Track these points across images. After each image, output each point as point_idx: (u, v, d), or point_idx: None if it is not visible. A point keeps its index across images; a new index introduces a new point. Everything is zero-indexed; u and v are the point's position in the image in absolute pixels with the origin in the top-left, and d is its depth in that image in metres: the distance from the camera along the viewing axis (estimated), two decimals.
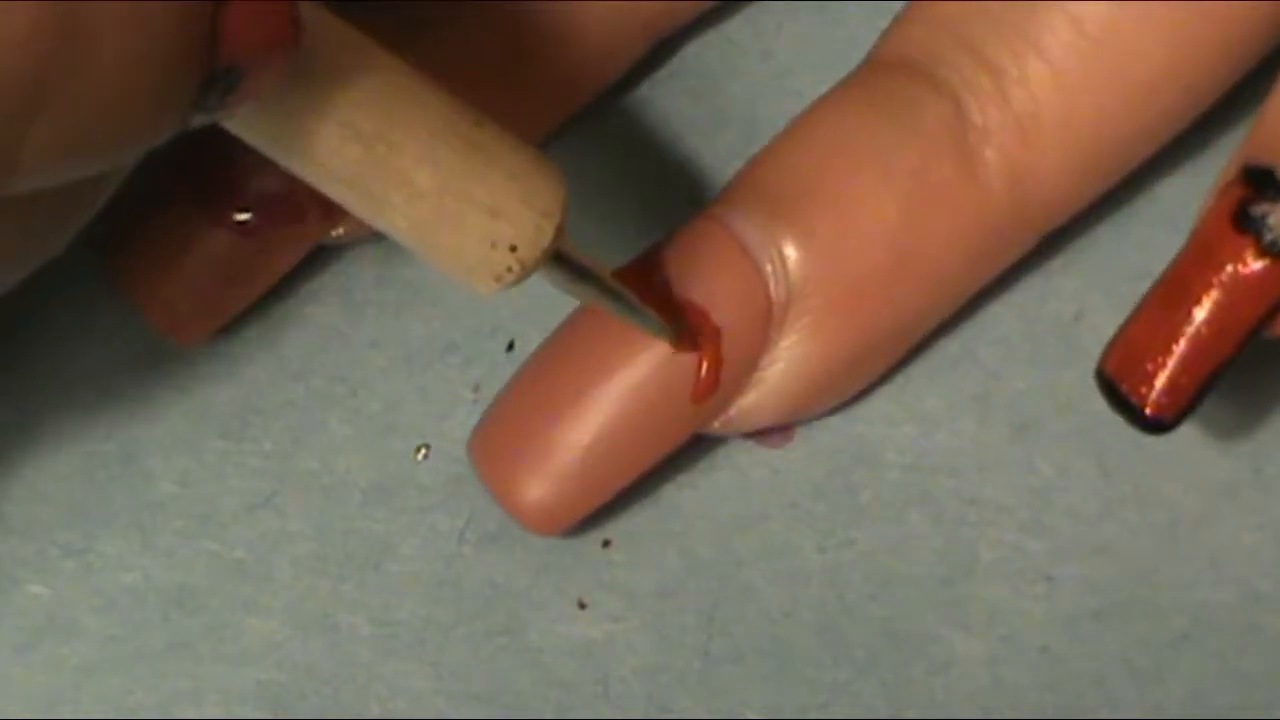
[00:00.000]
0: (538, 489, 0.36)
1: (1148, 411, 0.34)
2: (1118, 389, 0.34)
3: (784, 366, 0.36)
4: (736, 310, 0.36)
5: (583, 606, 0.37)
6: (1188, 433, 0.38)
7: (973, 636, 0.37)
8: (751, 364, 0.36)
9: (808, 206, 0.36)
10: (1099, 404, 0.38)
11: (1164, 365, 0.34)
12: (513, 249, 0.31)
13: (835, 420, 0.38)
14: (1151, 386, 0.34)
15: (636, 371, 0.36)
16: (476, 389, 0.38)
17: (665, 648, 0.37)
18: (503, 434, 0.36)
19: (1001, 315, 0.38)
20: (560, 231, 0.31)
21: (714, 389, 0.36)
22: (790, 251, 0.36)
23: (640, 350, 0.36)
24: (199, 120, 0.27)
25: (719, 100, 0.39)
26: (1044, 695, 0.37)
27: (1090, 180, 0.37)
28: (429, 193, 0.30)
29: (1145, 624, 0.37)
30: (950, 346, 0.38)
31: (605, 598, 0.37)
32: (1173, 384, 0.34)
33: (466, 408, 0.38)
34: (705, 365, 0.36)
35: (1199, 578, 0.37)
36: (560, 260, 0.32)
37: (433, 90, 0.30)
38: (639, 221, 0.39)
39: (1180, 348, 0.34)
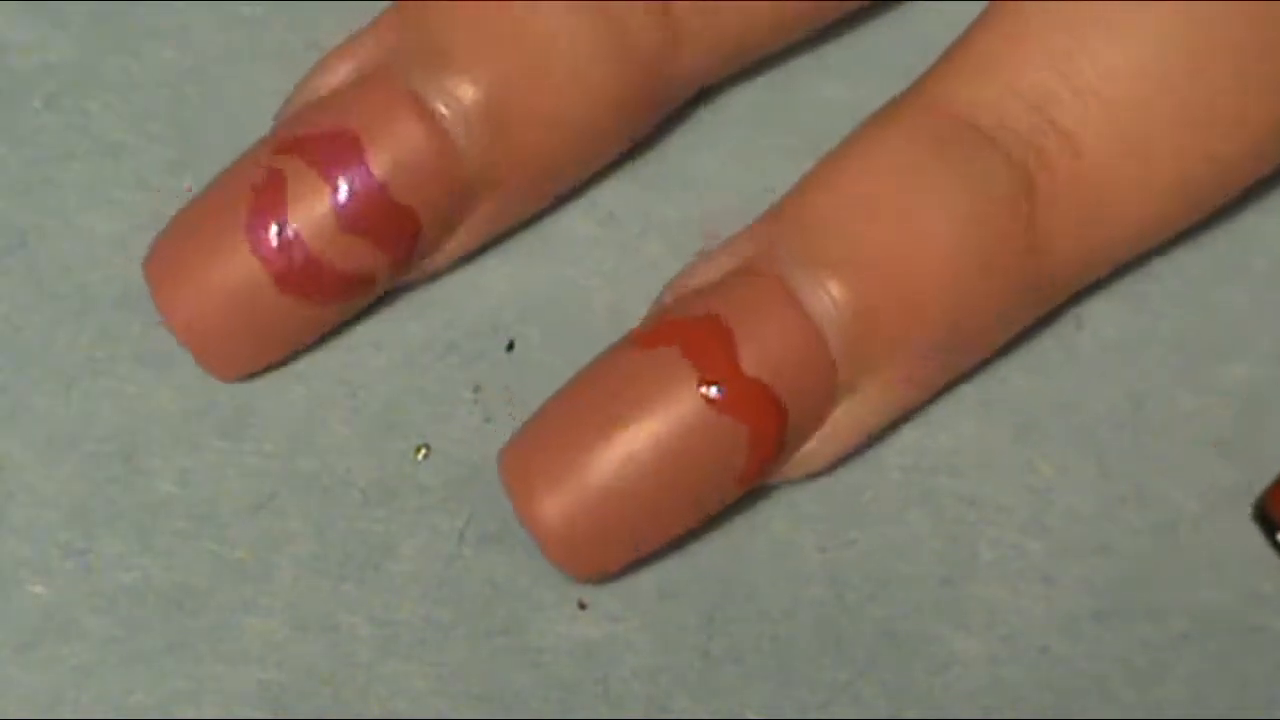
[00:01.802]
0: (586, 559, 0.35)
1: None
2: (1276, 526, 0.36)
3: (827, 431, 0.36)
4: (803, 393, 0.35)
5: (583, 606, 0.37)
6: (1188, 433, 0.38)
7: (973, 636, 0.37)
8: (815, 427, 0.36)
9: (883, 287, 0.35)
10: (1099, 404, 0.38)
11: None
12: None
13: None
14: None
15: (680, 424, 0.35)
16: (476, 389, 0.38)
17: (665, 648, 0.37)
18: (535, 454, 0.35)
19: None
20: None
21: (760, 472, 0.35)
22: (859, 331, 0.35)
23: (687, 403, 0.35)
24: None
25: (719, 100, 0.39)
26: (1044, 695, 0.37)
27: (1147, 243, 0.36)
28: None
29: (1145, 624, 0.37)
30: None
31: (605, 598, 0.37)
32: None
33: (466, 408, 0.38)
34: (754, 444, 0.35)
35: (1199, 578, 0.37)
36: None
37: None
38: (639, 222, 0.39)
39: None
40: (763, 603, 0.37)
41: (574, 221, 0.39)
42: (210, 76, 0.39)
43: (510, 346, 0.38)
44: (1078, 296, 0.38)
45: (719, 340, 0.35)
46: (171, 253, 0.36)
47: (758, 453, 0.35)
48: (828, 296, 0.35)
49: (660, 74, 0.36)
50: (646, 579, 0.37)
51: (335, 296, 0.36)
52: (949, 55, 0.36)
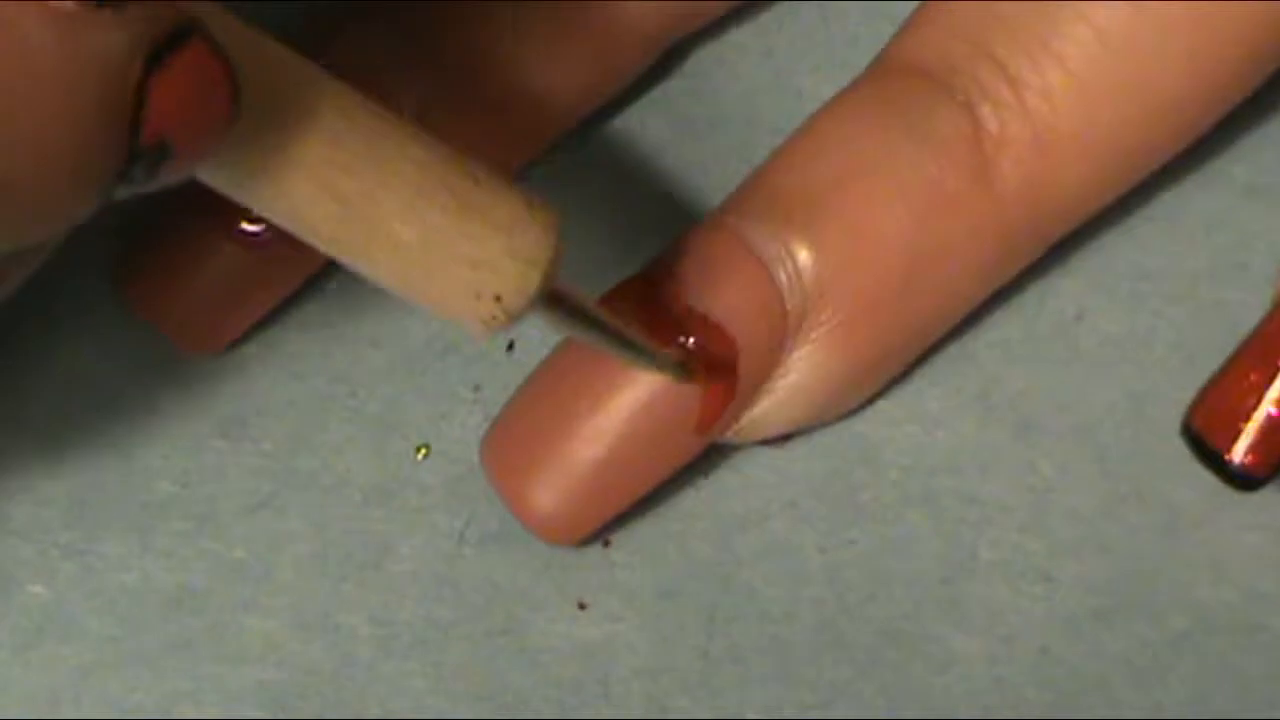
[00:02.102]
0: (550, 500, 0.36)
1: (1236, 467, 0.34)
2: (1205, 443, 0.34)
3: (795, 378, 0.36)
4: (752, 321, 0.35)
5: (583, 606, 0.37)
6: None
7: (973, 636, 0.37)
8: (765, 376, 0.36)
9: (823, 216, 0.35)
10: (1099, 404, 0.38)
11: (1253, 421, 0.34)
12: (498, 299, 0.30)
13: (835, 421, 0.38)
14: (1240, 442, 0.34)
15: (647, 386, 0.35)
16: (476, 389, 0.38)
17: (665, 648, 0.37)
18: (514, 443, 0.36)
19: (1001, 315, 0.38)
20: (548, 279, 0.31)
21: (717, 419, 0.36)
22: (805, 262, 0.35)
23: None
24: (126, 193, 0.25)
25: (719, 100, 0.39)
26: (1044, 695, 0.37)
27: (1105, 189, 0.36)
28: (412, 246, 0.29)
29: (1145, 624, 0.37)
30: (950, 347, 0.38)
31: (605, 598, 0.37)
32: (1264, 441, 0.34)
33: (466, 408, 0.38)
34: (710, 393, 0.35)
35: (1199, 578, 0.37)
36: (553, 303, 0.32)
37: (421, 143, 0.29)
38: (640, 222, 0.39)
39: (1270, 403, 0.34)
40: (763, 603, 0.37)
41: (572, 223, 0.39)
42: None
43: (510, 346, 0.38)
44: (1077, 295, 0.38)
45: (660, 280, 0.35)
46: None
47: (715, 394, 0.35)
48: (774, 236, 0.35)
49: (617, 33, 0.37)
50: (646, 579, 0.37)
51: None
52: (905, 22, 0.37)
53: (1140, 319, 0.38)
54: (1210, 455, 0.34)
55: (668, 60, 0.39)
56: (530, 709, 0.37)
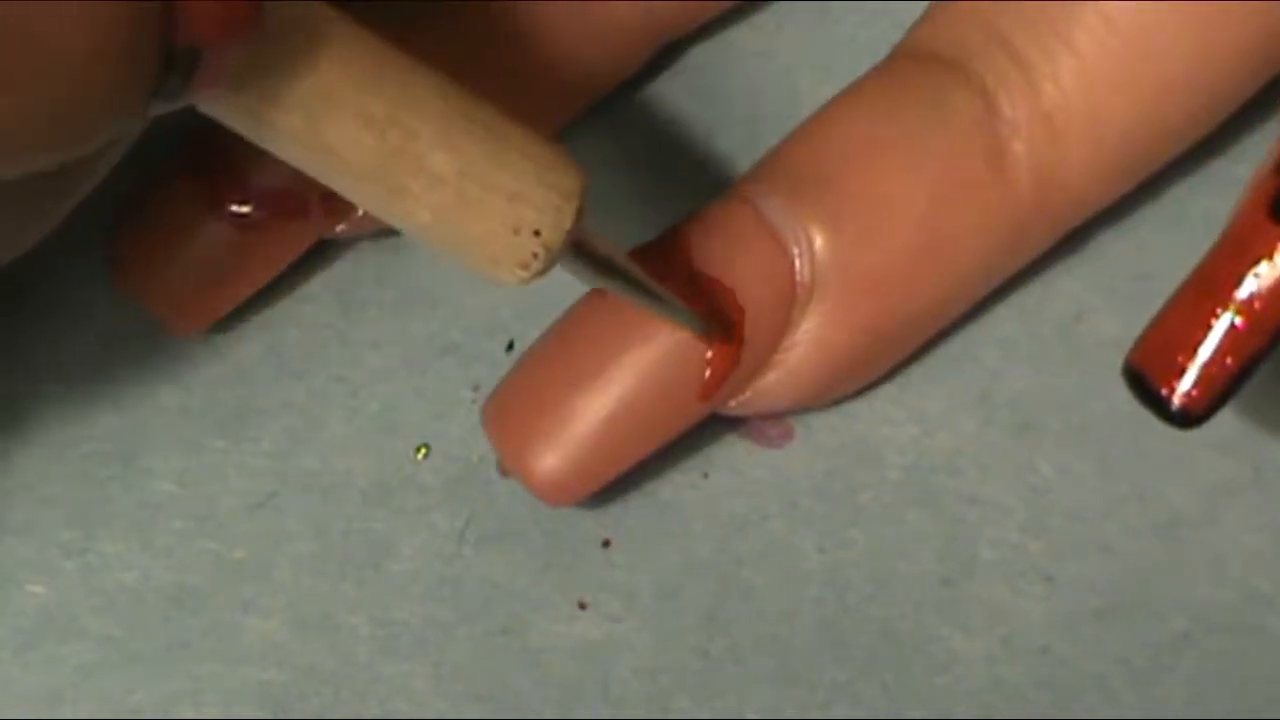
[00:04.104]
0: (551, 458, 0.36)
1: (1176, 404, 0.34)
2: (1146, 381, 0.34)
3: (803, 350, 0.36)
4: (762, 290, 0.36)
5: (583, 606, 0.37)
6: (1188, 433, 0.38)
7: (973, 636, 0.37)
8: (773, 345, 0.36)
9: (836, 191, 0.36)
10: (1099, 404, 0.38)
11: (1195, 358, 0.33)
12: (536, 233, 0.30)
13: (835, 420, 0.38)
14: (1181, 380, 0.33)
15: (654, 349, 0.35)
16: (476, 389, 0.38)
17: (665, 648, 0.37)
18: (518, 402, 0.36)
19: (1002, 315, 0.38)
20: (582, 214, 0.31)
21: (722, 384, 0.36)
22: (817, 235, 0.36)
23: (659, 329, 0.35)
24: (160, 108, 0.27)
25: (719, 100, 0.39)
26: (1044, 695, 0.37)
27: (1115, 179, 0.37)
28: (448, 178, 0.29)
29: (1145, 624, 0.37)
30: (950, 346, 0.38)
31: (605, 598, 0.37)
32: (1204, 377, 0.33)
33: (466, 408, 0.38)
34: (716, 358, 0.36)
35: (1199, 578, 0.37)
36: (582, 249, 0.32)
37: (448, 80, 0.30)
38: (640, 221, 0.39)
39: (1212, 341, 0.33)
40: (763, 603, 0.37)
41: None
42: None
43: (510, 346, 0.38)
44: (1077, 296, 0.38)
45: (676, 248, 0.36)
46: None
47: (719, 362, 0.35)
48: (786, 208, 0.36)
49: (623, 24, 0.37)
50: (646, 579, 0.37)
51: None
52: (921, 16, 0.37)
53: (1140, 319, 0.38)
54: (1150, 394, 0.34)
55: (668, 60, 0.39)
56: (530, 709, 0.37)
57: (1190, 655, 0.37)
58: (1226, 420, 0.38)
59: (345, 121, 0.29)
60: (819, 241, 0.36)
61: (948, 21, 0.37)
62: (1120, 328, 0.38)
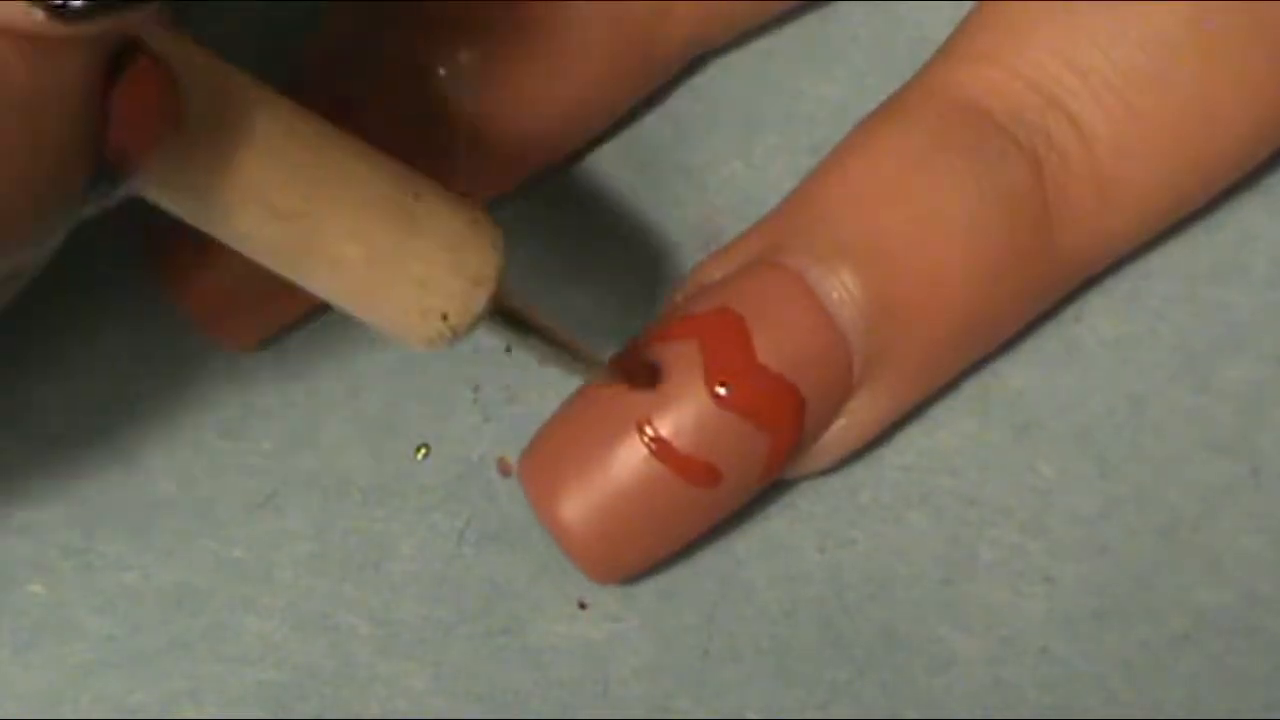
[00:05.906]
0: (584, 528, 0.35)
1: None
2: None
3: (845, 423, 0.36)
4: (816, 375, 0.35)
5: (583, 606, 0.37)
6: (1188, 433, 0.38)
7: (973, 636, 0.37)
8: (826, 426, 0.36)
9: (894, 269, 0.35)
10: (1099, 404, 0.38)
11: None
12: (444, 317, 0.30)
13: None
14: None
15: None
16: (476, 389, 0.38)
17: (665, 648, 0.37)
18: (549, 461, 0.36)
19: None
20: (494, 297, 0.31)
21: (781, 468, 0.36)
22: (874, 315, 0.35)
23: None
24: (90, 211, 0.26)
25: (719, 100, 0.39)
26: (1044, 695, 0.37)
27: (1155, 230, 0.37)
28: (356, 267, 0.29)
29: (1145, 624, 0.37)
30: None
31: (605, 598, 0.37)
32: None
33: (466, 408, 0.38)
34: (775, 444, 0.35)
35: (1199, 578, 0.37)
36: (504, 317, 0.31)
37: (367, 160, 0.29)
38: (639, 221, 0.39)
39: None
40: (763, 603, 0.37)
41: (574, 222, 0.39)
42: None
43: (509, 347, 0.38)
44: (1077, 296, 0.38)
45: (734, 334, 0.35)
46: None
47: (778, 445, 0.35)
48: (843, 286, 0.35)
49: (651, 41, 0.37)
50: (646, 579, 0.37)
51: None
52: (951, 46, 0.36)
53: (1140, 319, 0.38)
54: None
55: None
56: (530, 709, 0.37)
57: (1189, 655, 0.37)
58: (1226, 420, 0.38)
59: (255, 214, 0.28)
60: (875, 320, 0.35)
61: (997, 75, 0.35)
62: (1120, 328, 0.38)
